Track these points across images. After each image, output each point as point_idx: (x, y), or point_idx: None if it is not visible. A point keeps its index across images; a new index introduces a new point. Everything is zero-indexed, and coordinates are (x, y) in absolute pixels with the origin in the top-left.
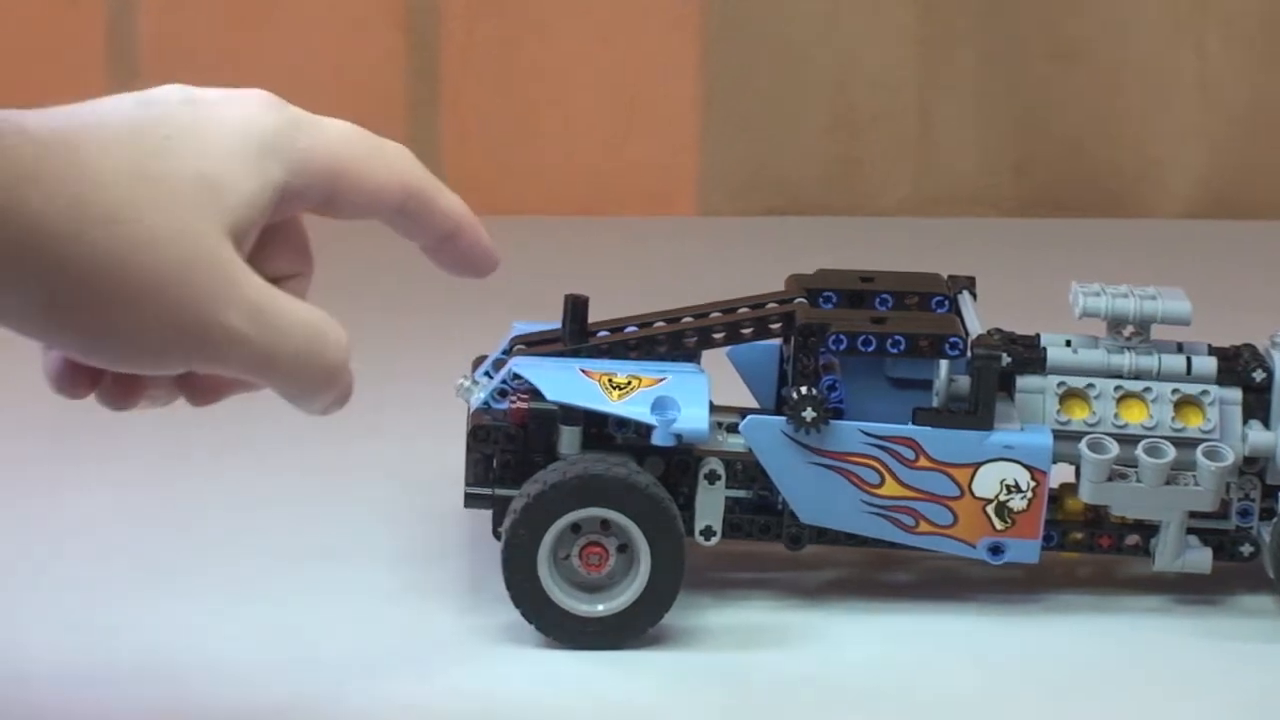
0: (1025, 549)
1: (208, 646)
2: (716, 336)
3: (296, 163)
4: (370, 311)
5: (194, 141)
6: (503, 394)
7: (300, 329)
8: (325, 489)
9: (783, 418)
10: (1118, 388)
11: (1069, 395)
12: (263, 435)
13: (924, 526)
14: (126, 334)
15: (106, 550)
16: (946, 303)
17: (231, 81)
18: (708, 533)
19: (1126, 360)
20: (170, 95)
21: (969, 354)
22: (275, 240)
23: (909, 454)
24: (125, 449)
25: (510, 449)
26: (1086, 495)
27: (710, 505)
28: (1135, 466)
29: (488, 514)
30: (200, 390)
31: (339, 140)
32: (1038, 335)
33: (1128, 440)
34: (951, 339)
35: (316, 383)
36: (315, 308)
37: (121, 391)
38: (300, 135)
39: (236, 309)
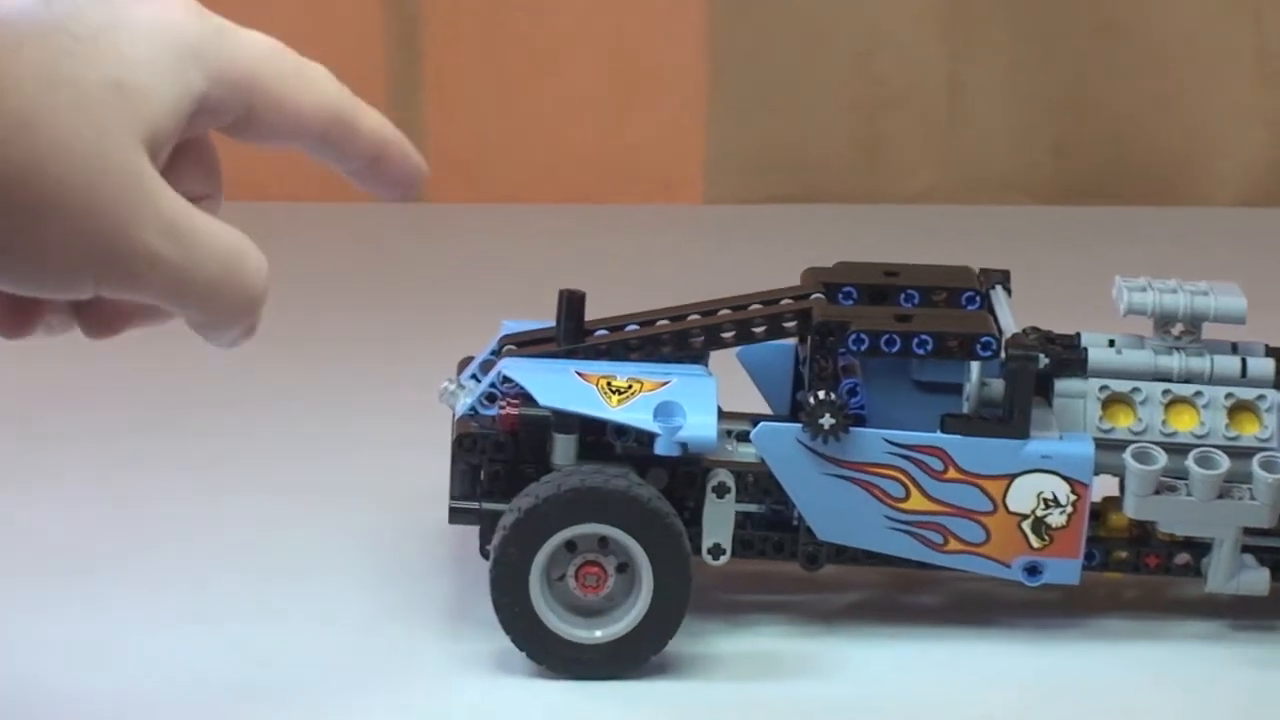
0: (1064, 569)
1: (173, 671)
2: (726, 336)
3: (217, 73)
4: (346, 309)
5: (108, 43)
6: (491, 399)
7: (220, 250)
8: (297, 504)
9: (798, 425)
10: (1166, 392)
11: (1112, 400)
12: (231, 447)
13: (953, 544)
14: (33, 252)
15: (67, 570)
16: (978, 299)
17: None
18: (716, 551)
19: (1175, 362)
20: None
21: (1003, 355)
22: (186, 158)
23: (937, 465)
24: (87, 463)
25: (499, 459)
26: (1132, 510)
27: (719, 521)
28: (1185, 478)
29: (474, 531)
30: (101, 320)
31: (262, 54)
32: (1078, 334)
33: (1177, 450)
34: (983, 338)
35: (235, 310)
36: (232, 228)
37: (16, 320)
38: (223, 44)
39: (152, 226)
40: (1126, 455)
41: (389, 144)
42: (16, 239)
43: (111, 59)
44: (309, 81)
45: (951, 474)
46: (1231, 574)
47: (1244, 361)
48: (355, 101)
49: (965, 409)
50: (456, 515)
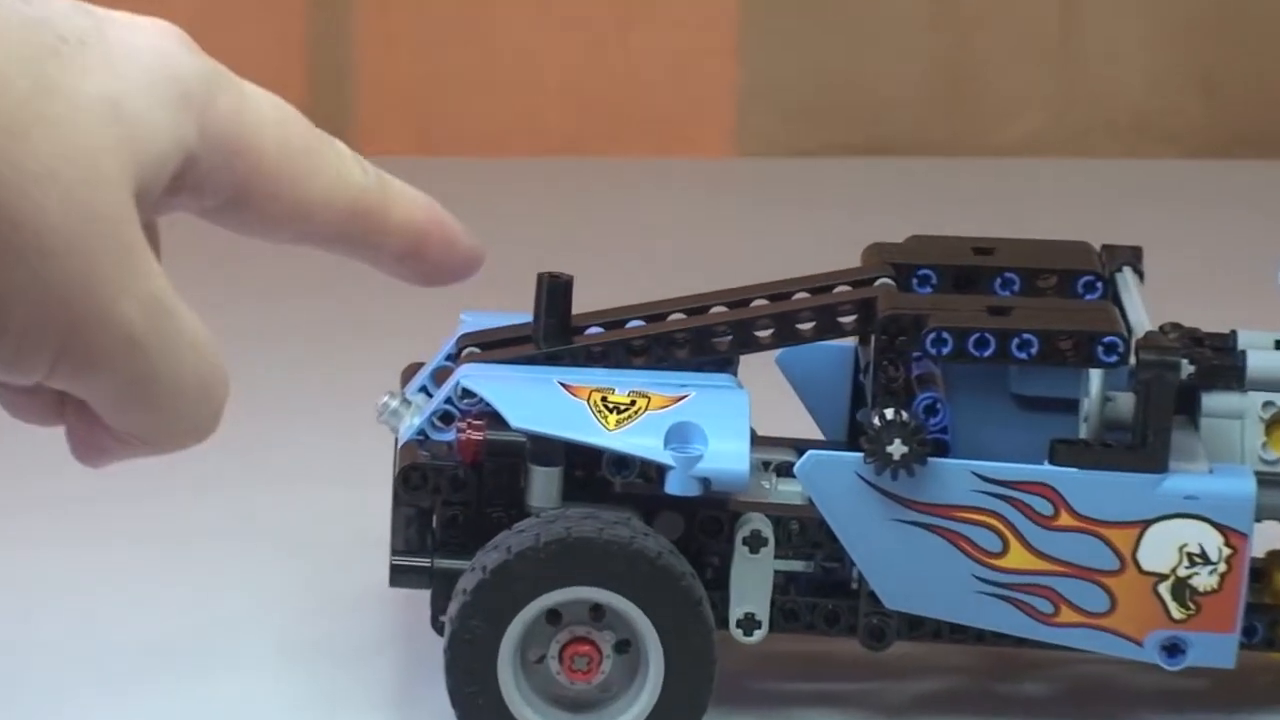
0: (1215, 647)
1: None
2: (762, 335)
3: (210, 133)
4: (255, 299)
5: (98, 55)
6: (446, 419)
7: (193, 346)
8: (195, 559)
9: (859, 454)
10: None
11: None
12: (114, 498)
13: (1066, 614)
14: None
15: None
16: (1099, 284)
17: None
18: (749, 623)
19: None
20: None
21: (1132, 360)
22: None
23: (1044, 508)
24: None
25: (457, 500)
26: None
27: (753, 583)
28: None
29: (424, 596)
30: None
31: (265, 119)
32: (1233, 333)
33: None
34: (1107, 339)
35: (189, 431)
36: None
37: None
38: (221, 94)
39: (135, 297)
40: None
41: (428, 235)
42: None
43: (103, 74)
44: (321, 162)
45: (1064, 520)
46: None
47: None
48: (384, 186)
49: (1082, 433)
50: (400, 575)
